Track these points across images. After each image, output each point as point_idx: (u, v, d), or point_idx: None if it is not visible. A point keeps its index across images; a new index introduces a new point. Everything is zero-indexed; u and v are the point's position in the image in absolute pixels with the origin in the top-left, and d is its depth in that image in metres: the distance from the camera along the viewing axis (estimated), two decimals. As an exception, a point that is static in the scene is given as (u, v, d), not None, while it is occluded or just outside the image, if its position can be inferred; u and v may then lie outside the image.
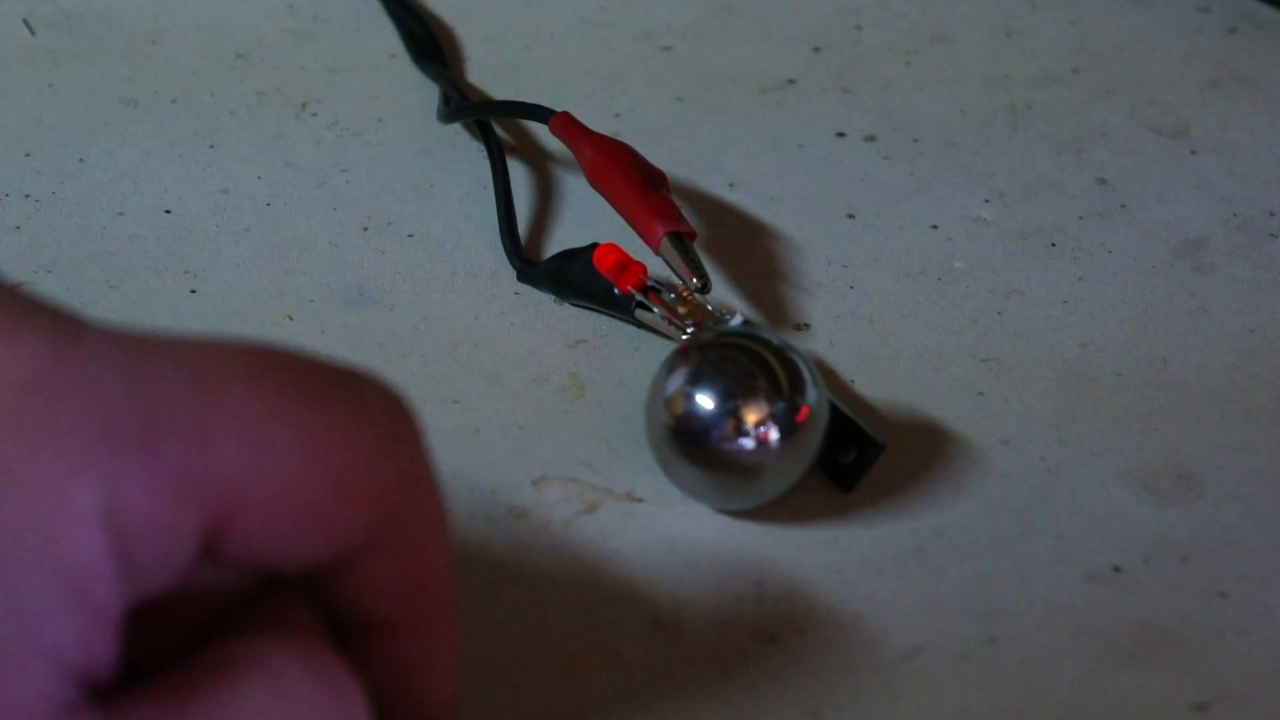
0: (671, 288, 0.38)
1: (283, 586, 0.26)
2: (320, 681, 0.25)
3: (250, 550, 0.24)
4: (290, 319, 0.40)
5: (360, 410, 0.25)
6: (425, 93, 0.48)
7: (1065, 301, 0.41)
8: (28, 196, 0.44)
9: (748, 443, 0.33)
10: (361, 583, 0.25)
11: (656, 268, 0.39)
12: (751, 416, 0.33)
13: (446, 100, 0.47)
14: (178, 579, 0.24)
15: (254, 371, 0.24)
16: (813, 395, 0.33)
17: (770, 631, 0.32)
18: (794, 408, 0.33)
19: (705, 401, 0.33)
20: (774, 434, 0.33)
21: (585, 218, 0.43)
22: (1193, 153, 0.47)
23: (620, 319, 0.39)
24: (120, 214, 0.43)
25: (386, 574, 0.26)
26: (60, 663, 0.22)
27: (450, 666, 0.27)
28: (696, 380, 0.33)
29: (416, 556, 0.26)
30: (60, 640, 0.22)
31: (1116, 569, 0.34)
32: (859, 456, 0.35)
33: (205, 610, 0.26)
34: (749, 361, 0.33)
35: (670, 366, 0.34)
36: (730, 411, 0.33)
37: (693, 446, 0.33)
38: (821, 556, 0.34)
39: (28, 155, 0.45)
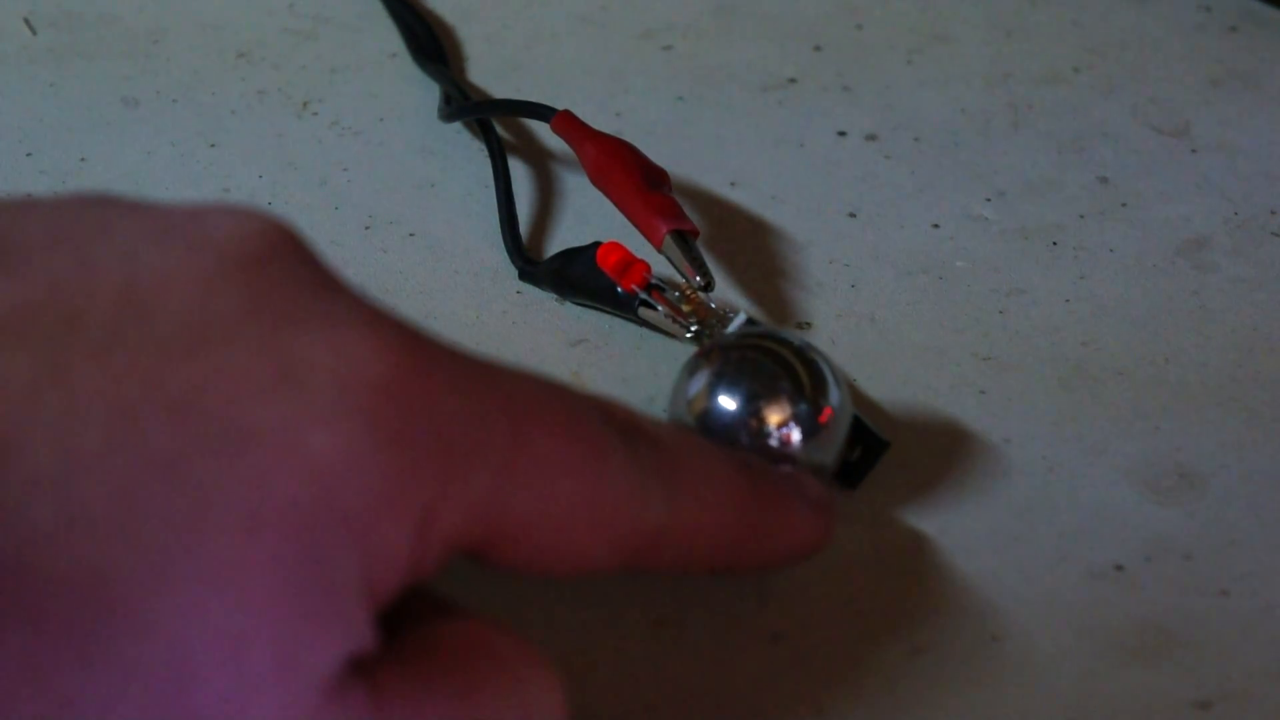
0: (675, 286, 0.38)
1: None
2: (536, 667, 0.26)
3: (504, 563, 0.26)
4: (292, 318, 0.40)
5: (634, 463, 0.27)
6: (426, 92, 0.48)
7: (1067, 300, 0.41)
8: (29, 196, 0.44)
9: (771, 444, 0.33)
10: (647, 568, 0.29)
11: (660, 266, 0.39)
12: (775, 418, 0.33)
13: (447, 99, 0.47)
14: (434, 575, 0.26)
15: (559, 422, 0.26)
16: (835, 396, 0.33)
17: (773, 630, 0.32)
18: (817, 409, 0.33)
19: (728, 403, 0.33)
20: (796, 435, 0.33)
21: (587, 216, 0.43)
22: (1194, 151, 0.47)
23: (623, 318, 0.39)
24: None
25: (676, 560, 0.29)
26: (351, 639, 0.24)
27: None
28: (719, 382, 0.33)
29: (697, 545, 0.29)
30: (355, 620, 0.24)
31: (1119, 567, 0.34)
32: (864, 453, 0.35)
33: None
34: (772, 363, 0.33)
35: (693, 368, 0.34)
36: (754, 413, 0.33)
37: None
38: (825, 554, 0.34)
39: (29, 155, 0.45)
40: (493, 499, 0.25)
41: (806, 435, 0.33)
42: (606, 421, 0.27)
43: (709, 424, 0.33)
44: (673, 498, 0.28)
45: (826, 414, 0.33)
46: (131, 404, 0.23)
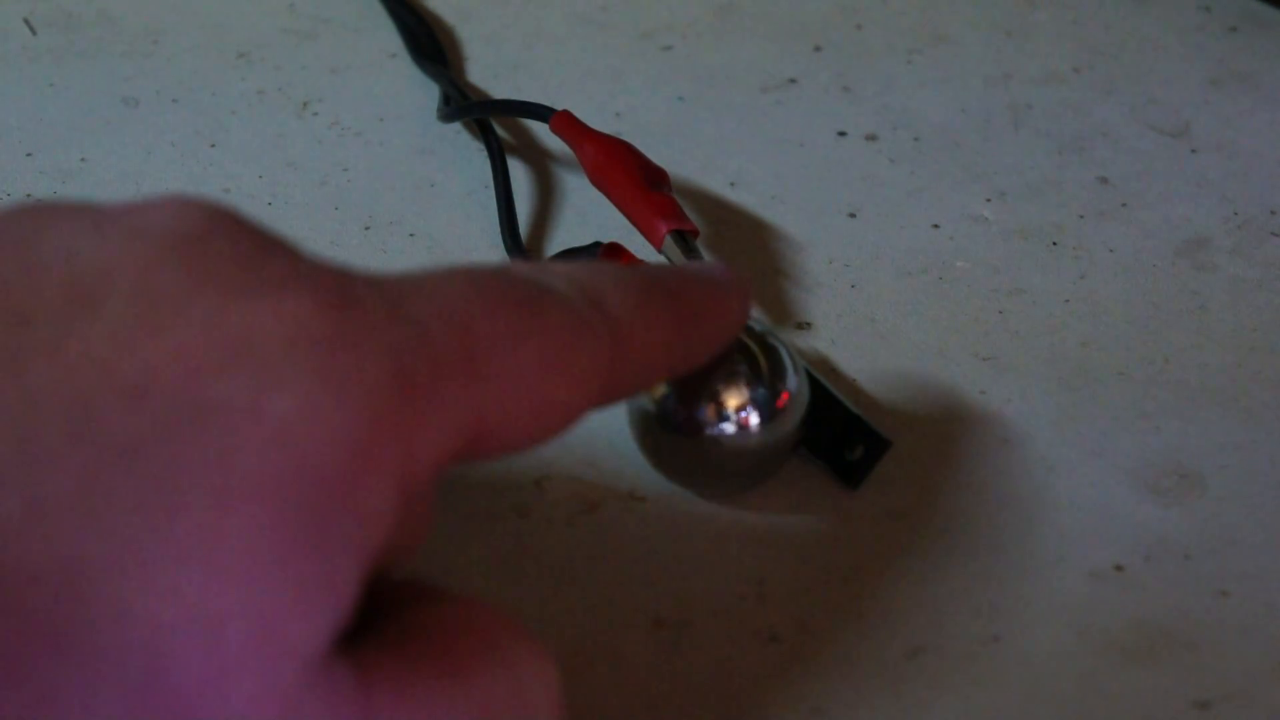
0: (673, 287, 0.38)
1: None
2: (527, 648, 0.26)
3: (494, 452, 0.26)
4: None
5: (563, 303, 0.27)
6: (426, 92, 0.48)
7: (1066, 300, 0.41)
8: (29, 196, 0.44)
9: (729, 428, 0.33)
10: (614, 396, 0.29)
11: (658, 267, 0.39)
12: (732, 401, 0.33)
13: (447, 99, 0.47)
14: (426, 506, 0.26)
15: (493, 303, 0.26)
16: (793, 381, 0.33)
17: (773, 630, 0.32)
18: (775, 393, 0.33)
19: (688, 387, 0.33)
20: (754, 419, 0.33)
21: (586, 216, 0.43)
22: (1194, 151, 0.47)
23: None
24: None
25: (634, 377, 0.29)
26: (339, 608, 0.23)
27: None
28: None
29: (649, 354, 0.29)
30: (344, 586, 0.23)
31: (1118, 567, 0.34)
32: (865, 453, 0.35)
33: None
34: (730, 347, 0.33)
35: None
36: (712, 397, 0.33)
37: (674, 433, 0.33)
38: (824, 555, 0.34)
39: (29, 155, 0.45)
40: (466, 406, 0.25)
41: (764, 419, 0.33)
42: (524, 279, 0.27)
43: (667, 408, 0.33)
44: (613, 321, 0.28)
45: (784, 398, 0.33)
46: (88, 393, 0.23)
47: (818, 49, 0.51)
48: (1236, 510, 0.35)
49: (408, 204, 0.44)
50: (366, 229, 0.43)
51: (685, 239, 0.38)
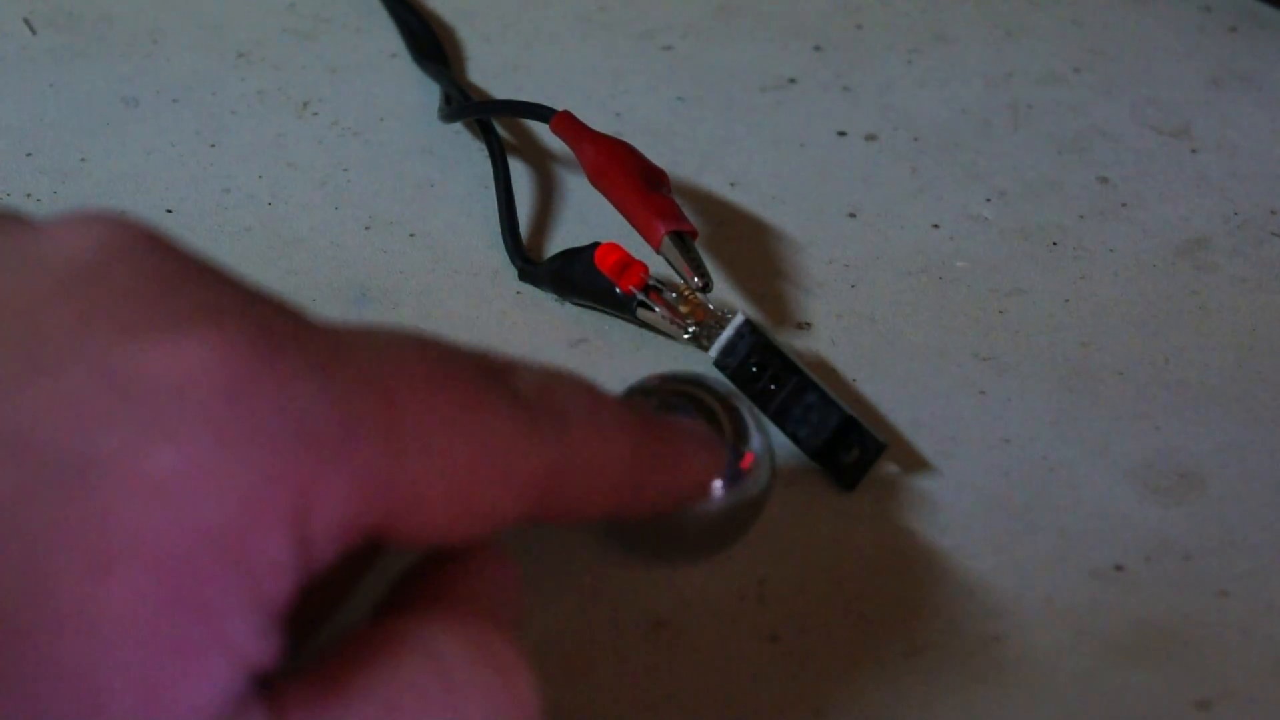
0: (673, 287, 0.38)
1: (442, 563, 0.26)
2: (485, 663, 0.25)
3: (412, 538, 0.25)
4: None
5: (516, 404, 0.25)
6: (426, 92, 0.48)
7: (1067, 300, 0.41)
8: (29, 196, 0.44)
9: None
10: (550, 515, 0.27)
11: (658, 267, 0.39)
12: None
13: (447, 99, 0.47)
14: (338, 562, 0.24)
15: (432, 379, 0.25)
16: (757, 441, 0.32)
17: (773, 630, 0.32)
18: (739, 454, 0.32)
19: None
20: (717, 483, 0.32)
21: (586, 217, 0.43)
22: (1194, 151, 0.47)
23: (622, 318, 0.39)
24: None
25: (576, 501, 0.27)
26: (237, 657, 0.23)
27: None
28: None
29: (595, 480, 0.27)
30: (238, 636, 0.23)
31: (1118, 567, 0.34)
32: (861, 455, 0.35)
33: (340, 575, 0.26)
34: (694, 409, 0.32)
35: None
36: None
37: None
38: (824, 555, 0.34)
39: (29, 154, 0.45)
40: (377, 474, 0.23)
41: (729, 481, 0.32)
42: (481, 367, 0.26)
43: None
44: (564, 432, 0.26)
45: (748, 459, 0.32)
46: None
47: (818, 49, 0.51)
48: (1236, 510, 0.35)
49: (408, 204, 0.44)
50: (366, 229, 0.43)
51: (683, 240, 0.38)
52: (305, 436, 0.23)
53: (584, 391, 0.27)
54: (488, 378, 0.26)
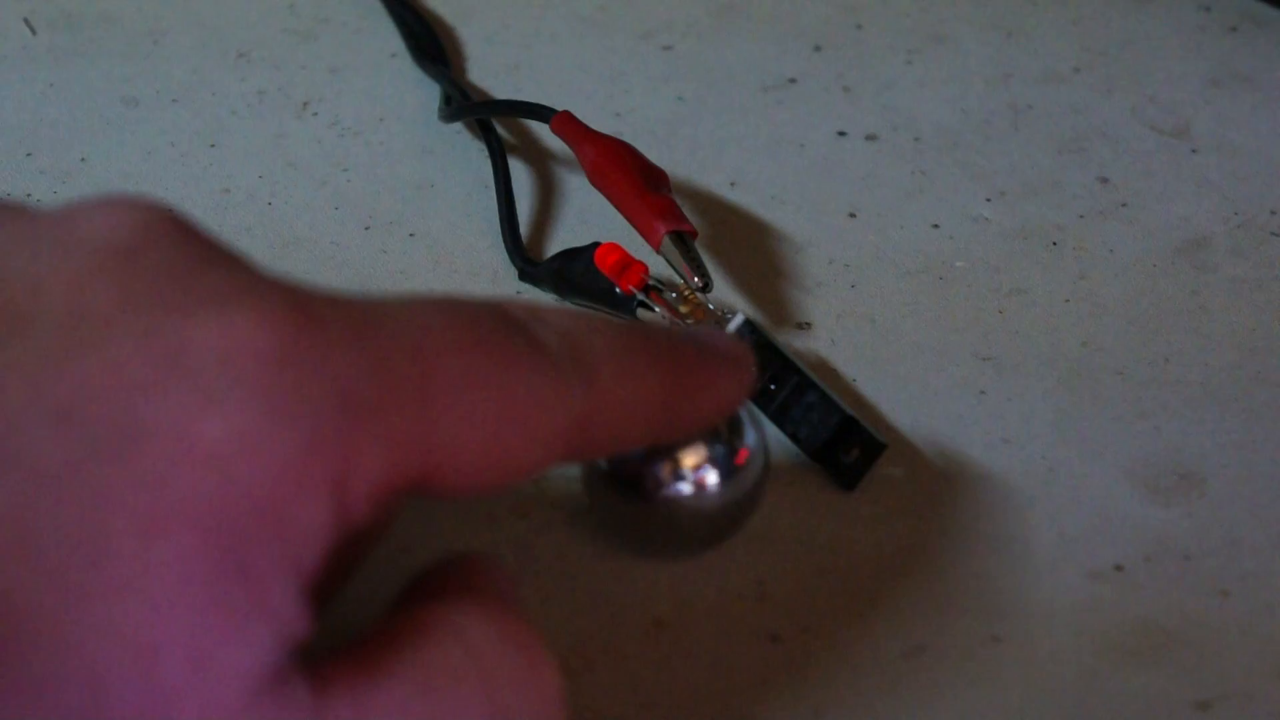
0: (673, 287, 0.38)
1: (473, 555, 0.27)
2: (513, 648, 0.25)
3: (444, 492, 0.25)
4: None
5: (544, 354, 0.26)
6: (426, 92, 0.48)
7: (1067, 300, 0.41)
8: (29, 196, 0.44)
9: (685, 488, 0.32)
10: (586, 455, 0.29)
11: (658, 267, 0.39)
12: (689, 460, 0.32)
13: (448, 99, 0.47)
14: (367, 526, 0.25)
15: (461, 340, 0.25)
16: (752, 437, 0.32)
17: (772, 630, 0.32)
18: (733, 450, 0.32)
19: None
20: (713, 477, 0.32)
21: (586, 217, 0.43)
22: (1194, 151, 0.47)
23: (622, 318, 0.39)
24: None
25: (609, 441, 0.28)
26: (279, 626, 0.23)
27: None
28: None
29: (627, 420, 0.28)
30: (280, 603, 0.23)
31: (1118, 568, 0.34)
32: (861, 455, 0.35)
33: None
34: None
35: None
36: (669, 454, 0.31)
37: (627, 493, 0.32)
38: (823, 555, 0.34)
39: (29, 155, 0.45)
40: (413, 437, 0.24)
41: (724, 476, 0.32)
42: (507, 322, 0.26)
43: (620, 467, 0.32)
44: (592, 377, 0.27)
45: (743, 455, 0.32)
46: (15, 417, 0.22)
47: (818, 49, 0.51)
48: (1236, 510, 0.35)
49: (408, 204, 0.44)
50: (366, 229, 0.43)
51: (683, 240, 0.38)
52: (346, 403, 0.23)
53: (609, 332, 0.28)
54: (514, 333, 0.26)
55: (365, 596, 0.28)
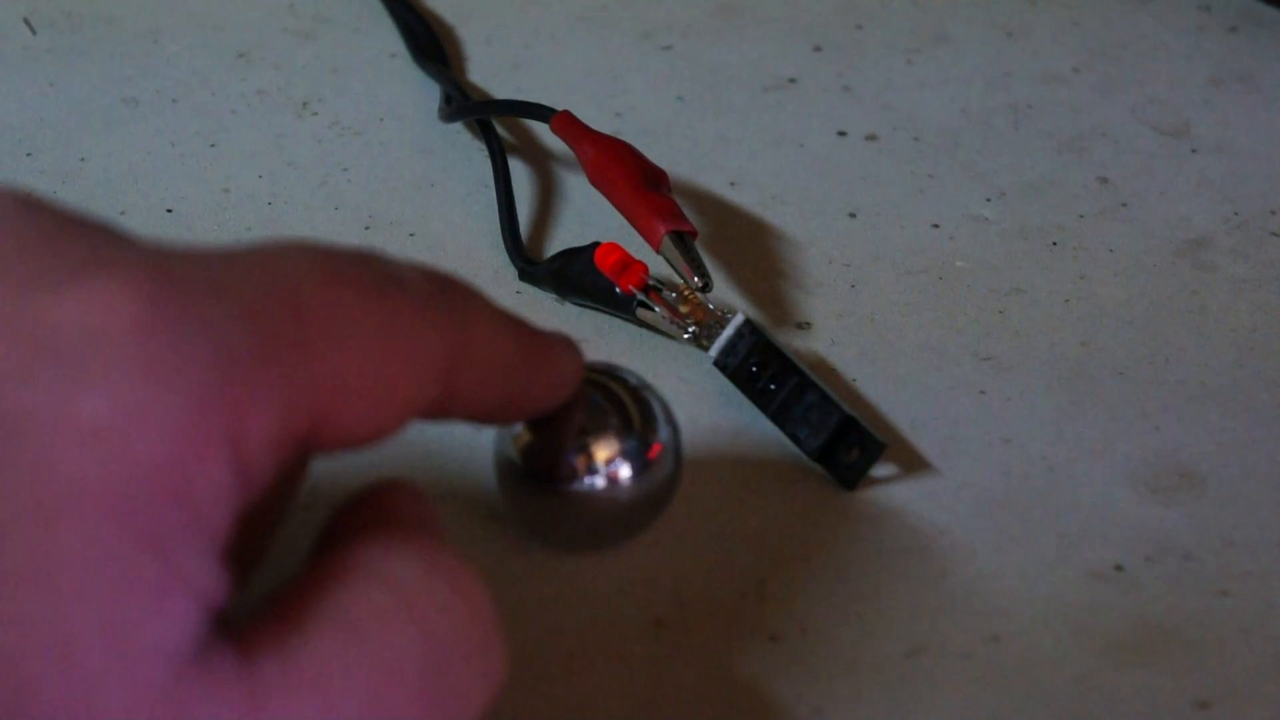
0: (673, 287, 0.38)
1: (389, 485, 0.27)
2: (438, 577, 0.25)
3: (339, 439, 0.25)
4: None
5: (412, 295, 0.26)
6: (426, 92, 0.48)
7: (1067, 300, 0.41)
8: (29, 196, 0.44)
9: (598, 481, 0.32)
10: (450, 406, 0.27)
11: (658, 267, 0.39)
12: (602, 453, 0.32)
13: (448, 99, 0.47)
14: (273, 483, 0.24)
15: (331, 281, 0.25)
16: (665, 432, 0.32)
17: (773, 630, 0.32)
18: (646, 444, 0.32)
19: (553, 439, 0.32)
20: (625, 472, 0.32)
21: (586, 217, 0.43)
22: (1194, 151, 0.47)
23: (622, 318, 0.39)
24: (122, 213, 0.43)
25: (473, 390, 0.27)
26: (196, 595, 0.23)
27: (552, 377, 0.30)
28: (545, 414, 0.31)
29: (489, 367, 0.27)
30: (193, 571, 0.23)
31: (1118, 567, 0.34)
32: (861, 455, 0.35)
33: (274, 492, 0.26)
34: (601, 398, 0.32)
35: None
36: (581, 448, 0.32)
37: (540, 486, 0.32)
38: (823, 555, 0.34)
39: (29, 154, 0.45)
40: (300, 382, 0.24)
41: (636, 470, 0.32)
42: (369, 262, 0.26)
43: (533, 460, 0.32)
44: (462, 322, 0.27)
45: (656, 449, 0.32)
46: None
47: (818, 49, 0.51)
48: (1236, 510, 0.35)
49: (408, 204, 0.44)
50: (366, 229, 0.43)
51: (683, 240, 0.38)
52: (225, 359, 0.23)
53: (470, 289, 0.28)
54: (378, 271, 0.26)
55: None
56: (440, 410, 0.27)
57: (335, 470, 0.33)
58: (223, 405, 0.23)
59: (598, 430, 0.32)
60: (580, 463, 0.31)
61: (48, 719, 0.22)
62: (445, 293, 0.27)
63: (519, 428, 0.32)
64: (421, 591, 0.25)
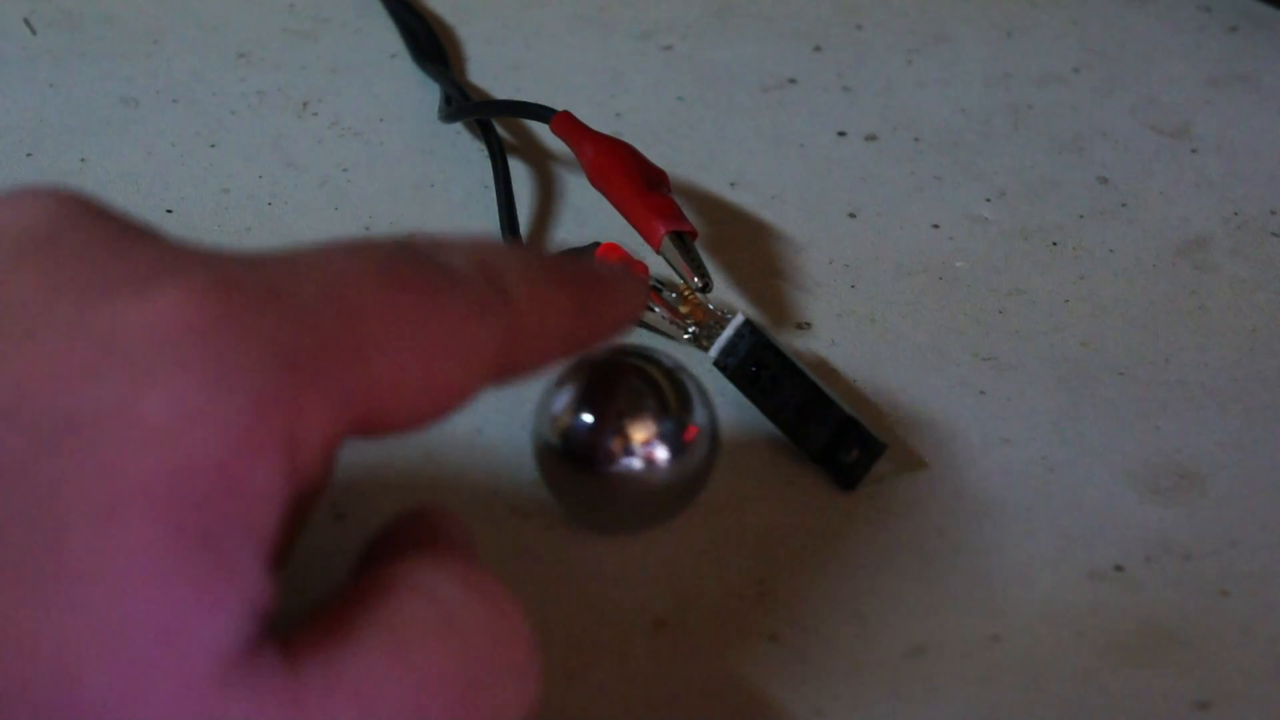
0: (673, 287, 0.38)
1: (426, 508, 0.28)
2: (480, 599, 0.25)
3: (386, 430, 0.26)
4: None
5: (458, 280, 0.26)
6: (426, 92, 0.48)
7: (1066, 300, 0.41)
8: None
9: (635, 462, 0.32)
10: (511, 376, 0.28)
11: (658, 267, 0.39)
12: (639, 435, 0.32)
13: (448, 100, 0.47)
14: (318, 483, 0.25)
15: (381, 281, 0.25)
16: (701, 415, 0.33)
17: (773, 630, 0.32)
18: (681, 426, 0.32)
19: (591, 421, 0.32)
20: (662, 453, 0.32)
21: (586, 217, 0.43)
22: (1194, 151, 0.47)
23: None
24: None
25: (531, 356, 0.28)
26: (247, 595, 0.23)
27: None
28: (583, 398, 0.32)
29: (545, 333, 0.28)
30: (245, 571, 0.23)
31: (1118, 568, 0.34)
32: (861, 455, 0.35)
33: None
34: (638, 380, 0.32)
35: (558, 384, 0.33)
36: (618, 430, 0.32)
37: (578, 467, 0.32)
38: (824, 555, 0.34)
39: (29, 155, 0.45)
40: (353, 383, 0.24)
41: (673, 453, 0.32)
42: (418, 255, 0.27)
43: (572, 442, 0.32)
44: (508, 301, 0.27)
45: (692, 432, 0.32)
46: None
47: (818, 49, 0.51)
48: (1236, 510, 0.35)
49: (408, 204, 0.44)
50: (367, 229, 0.43)
51: (683, 240, 0.38)
52: (282, 361, 0.24)
53: (515, 254, 0.28)
54: (427, 265, 0.26)
55: (322, 571, 0.28)
56: (502, 381, 0.28)
57: (369, 483, 0.34)
58: (279, 406, 0.23)
59: (634, 413, 0.32)
60: (617, 445, 0.32)
61: (95, 707, 0.22)
62: (493, 277, 0.27)
63: (558, 410, 0.32)
64: (463, 609, 0.25)
